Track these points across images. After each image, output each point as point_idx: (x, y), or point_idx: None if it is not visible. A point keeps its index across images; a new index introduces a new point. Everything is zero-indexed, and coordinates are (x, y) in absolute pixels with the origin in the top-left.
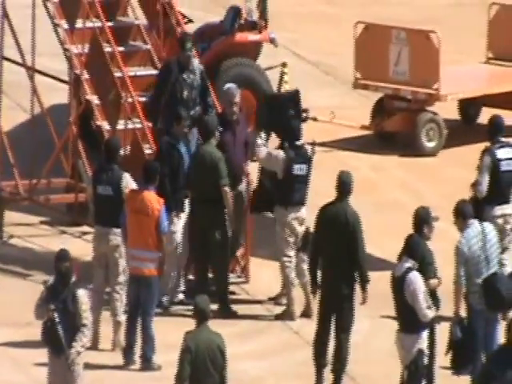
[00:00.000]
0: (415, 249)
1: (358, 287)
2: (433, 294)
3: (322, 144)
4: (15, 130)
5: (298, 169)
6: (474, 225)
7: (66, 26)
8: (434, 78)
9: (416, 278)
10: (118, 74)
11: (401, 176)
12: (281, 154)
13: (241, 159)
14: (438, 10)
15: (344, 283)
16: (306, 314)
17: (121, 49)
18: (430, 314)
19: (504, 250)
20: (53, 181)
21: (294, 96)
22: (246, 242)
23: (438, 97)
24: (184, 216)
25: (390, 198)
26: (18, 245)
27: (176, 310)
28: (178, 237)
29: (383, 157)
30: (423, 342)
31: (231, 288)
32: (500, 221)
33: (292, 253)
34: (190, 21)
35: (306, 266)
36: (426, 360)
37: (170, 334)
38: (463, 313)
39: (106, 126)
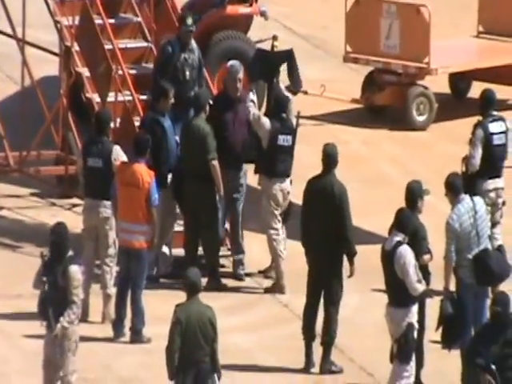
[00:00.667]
0: (405, 223)
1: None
2: (424, 269)
3: (312, 117)
4: (5, 101)
5: (283, 139)
6: (466, 200)
7: None
8: (424, 51)
9: (406, 251)
10: (108, 47)
11: (391, 150)
12: (268, 122)
13: (241, 138)
14: None
15: (331, 256)
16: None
17: (111, 21)
18: (420, 287)
19: (495, 224)
20: (43, 153)
21: (288, 54)
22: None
23: (429, 71)
24: (167, 190)
25: (380, 171)
26: (7, 217)
27: (166, 283)
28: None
29: (373, 131)
30: (413, 315)
31: (221, 261)
32: (492, 195)
33: (279, 225)
34: None
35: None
36: (415, 334)
37: (159, 306)
38: (453, 287)
39: (96, 98)
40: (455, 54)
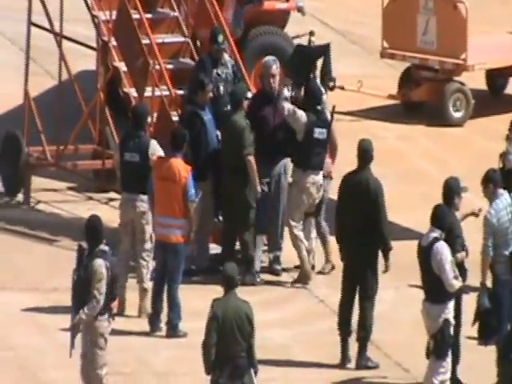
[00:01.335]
0: (442, 219)
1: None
2: (460, 265)
3: (349, 113)
4: (43, 96)
5: (319, 133)
6: (504, 196)
7: None
8: (461, 47)
9: (443, 247)
10: (145, 41)
11: (427, 146)
12: (304, 115)
13: (282, 134)
14: None
15: (366, 252)
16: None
17: (148, 16)
18: (457, 284)
19: None
20: (80, 147)
21: (326, 49)
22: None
23: (466, 67)
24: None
25: (415, 167)
26: (44, 210)
27: (202, 278)
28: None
29: (410, 126)
30: (449, 311)
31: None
32: None
33: (301, 219)
34: None
35: (313, 232)
36: (452, 330)
37: (196, 301)
38: (489, 283)
39: (133, 92)
40: (492, 50)
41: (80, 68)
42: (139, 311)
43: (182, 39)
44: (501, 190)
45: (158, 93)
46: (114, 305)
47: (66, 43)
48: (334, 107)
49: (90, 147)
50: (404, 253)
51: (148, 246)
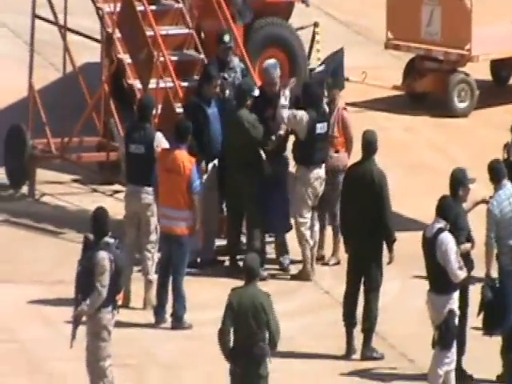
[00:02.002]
0: (448, 210)
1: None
2: (466, 256)
3: (353, 104)
4: (47, 88)
5: (320, 127)
6: (507, 187)
7: None
8: (466, 38)
9: (448, 238)
10: (149, 33)
11: (432, 137)
12: (305, 114)
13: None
14: None
15: (371, 243)
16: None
17: (153, 7)
18: (462, 274)
19: None
20: (85, 139)
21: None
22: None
23: (470, 57)
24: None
25: (420, 158)
26: (49, 203)
27: (207, 270)
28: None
29: (414, 117)
30: (454, 302)
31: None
32: None
33: (308, 213)
34: None
35: (316, 225)
36: (457, 320)
37: (201, 293)
38: (495, 274)
39: (137, 84)
40: (497, 40)
41: (84, 60)
42: (144, 303)
43: (186, 31)
44: (504, 181)
45: (162, 84)
46: (119, 297)
47: (70, 35)
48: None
49: (94, 139)
50: (409, 244)
51: (153, 237)
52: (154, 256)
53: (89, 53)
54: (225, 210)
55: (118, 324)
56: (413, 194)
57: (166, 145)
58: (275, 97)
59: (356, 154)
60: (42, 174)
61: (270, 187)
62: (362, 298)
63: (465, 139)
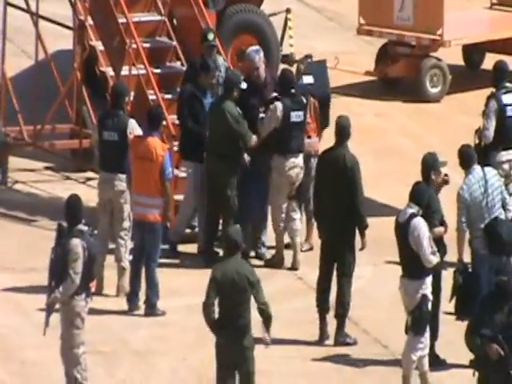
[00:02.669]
0: (420, 195)
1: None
2: (439, 240)
3: None
4: (20, 76)
5: (296, 116)
6: (476, 170)
7: None
8: (437, 23)
9: (420, 223)
10: (122, 20)
11: (405, 122)
12: (279, 105)
13: None
14: None
15: (343, 229)
16: (293, 266)
17: None
18: (434, 259)
19: (510, 195)
20: (57, 127)
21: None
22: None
23: (442, 42)
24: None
25: (393, 144)
26: (22, 190)
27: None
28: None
29: (387, 103)
30: (427, 287)
31: None
32: (506, 166)
33: (284, 203)
34: None
35: (295, 215)
36: (430, 305)
37: (174, 280)
38: (467, 258)
39: (110, 71)
40: (469, 25)
41: (57, 48)
42: (117, 290)
43: (158, 18)
44: (474, 166)
45: (134, 72)
46: (92, 284)
47: (42, 23)
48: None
49: (67, 127)
50: (381, 229)
51: (126, 224)
52: (126, 243)
53: (61, 40)
54: None
55: (91, 311)
56: (385, 180)
57: (139, 131)
58: (260, 85)
59: (328, 140)
60: (14, 161)
61: (250, 178)
62: (335, 283)
63: (437, 124)
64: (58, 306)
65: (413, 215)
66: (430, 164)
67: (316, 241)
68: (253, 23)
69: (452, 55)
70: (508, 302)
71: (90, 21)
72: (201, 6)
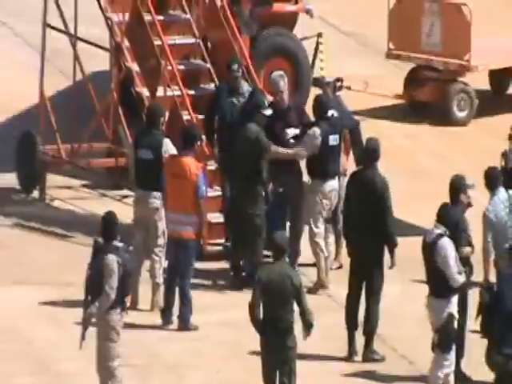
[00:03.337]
0: (446, 216)
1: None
2: (466, 260)
3: (356, 113)
4: (58, 95)
5: (333, 139)
6: (501, 192)
7: None
8: (465, 49)
9: (447, 243)
10: (157, 43)
11: (433, 145)
12: (316, 130)
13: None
14: None
15: (372, 247)
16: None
17: (160, 18)
18: (461, 279)
19: None
20: (94, 145)
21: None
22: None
23: (469, 67)
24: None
25: (421, 165)
26: (59, 207)
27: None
28: None
29: (415, 126)
30: (453, 306)
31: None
32: None
33: (322, 225)
34: None
35: (330, 239)
36: (456, 324)
37: (206, 295)
38: (493, 278)
39: (145, 92)
40: (495, 51)
41: (93, 68)
42: (152, 305)
43: (192, 40)
44: (499, 187)
45: (169, 93)
46: (127, 299)
47: (80, 44)
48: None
49: (103, 145)
50: (409, 249)
51: (161, 241)
52: (161, 260)
53: (98, 61)
54: None
55: (126, 326)
56: (414, 200)
57: (173, 151)
58: (284, 110)
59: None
60: (52, 179)
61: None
62: (364, 301)
63: (464, 147)
64: (94, 320)
65: (440, 235)
66: (458, 187)
67: (345, 259)
68: (285, 46)
69: (479, 80)
70: None
71: (126, 42)
72: (234, 30)
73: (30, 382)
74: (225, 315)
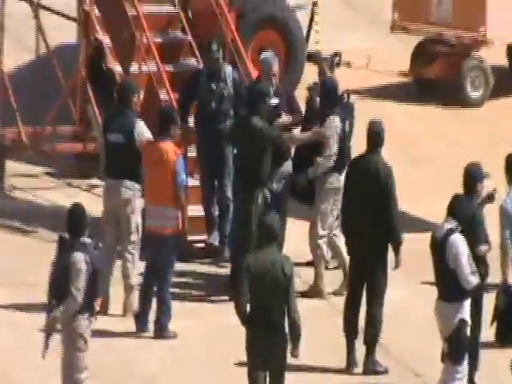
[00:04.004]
0: (459, 209)
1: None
2: (480, 260)
3: (356, 92)
4: (18, 71)
5: (348, 125)
6: None
7: None
8: (480, 20)
9: (459, 240)
10: (131, 12)
11: (442, 128)
12: (335, 117)
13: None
14: None
15: (375, 244)
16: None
17: None
18: (474, 280)
19: None
20: (59, 128)
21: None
22: None
23: (485, 41)
24: None
25: (430, 151)
26: (20, 198)
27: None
28: None
29: (423, 107)
30: (466, 311)
31: None
32: None
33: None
34: None
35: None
36: (468, 331)
37: (187, 299)
38: (511, 279)
39: (118, 68)
40: None
41: (59, 41)
42: (124, 309)
43: (171, 9)
44: None
45: (145, 69)
46: (97, 303)
47: (43, 13)
48: (347, 91)
49: (70, 128)
50: (416, 246)
51: (134, 237)
52: (135, 258)
53: (64, 33)
54: None
55: (95, 332)
56: (420, 191)
57: (148, 135)
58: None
59: (360, 147)
60: (12, 166)
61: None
62: (365, 305)
63: (477, 131)
64: (58, 326)
65: (451, 231)
66: (475, 176)
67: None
68: (276, 17)
69: (495, 56)
70: None
71: (96, 11)
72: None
73: None
74: (207, 321)
